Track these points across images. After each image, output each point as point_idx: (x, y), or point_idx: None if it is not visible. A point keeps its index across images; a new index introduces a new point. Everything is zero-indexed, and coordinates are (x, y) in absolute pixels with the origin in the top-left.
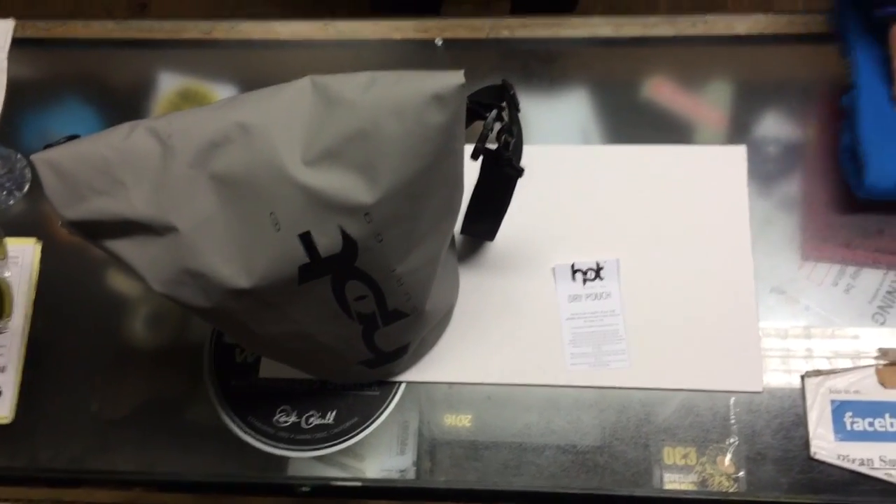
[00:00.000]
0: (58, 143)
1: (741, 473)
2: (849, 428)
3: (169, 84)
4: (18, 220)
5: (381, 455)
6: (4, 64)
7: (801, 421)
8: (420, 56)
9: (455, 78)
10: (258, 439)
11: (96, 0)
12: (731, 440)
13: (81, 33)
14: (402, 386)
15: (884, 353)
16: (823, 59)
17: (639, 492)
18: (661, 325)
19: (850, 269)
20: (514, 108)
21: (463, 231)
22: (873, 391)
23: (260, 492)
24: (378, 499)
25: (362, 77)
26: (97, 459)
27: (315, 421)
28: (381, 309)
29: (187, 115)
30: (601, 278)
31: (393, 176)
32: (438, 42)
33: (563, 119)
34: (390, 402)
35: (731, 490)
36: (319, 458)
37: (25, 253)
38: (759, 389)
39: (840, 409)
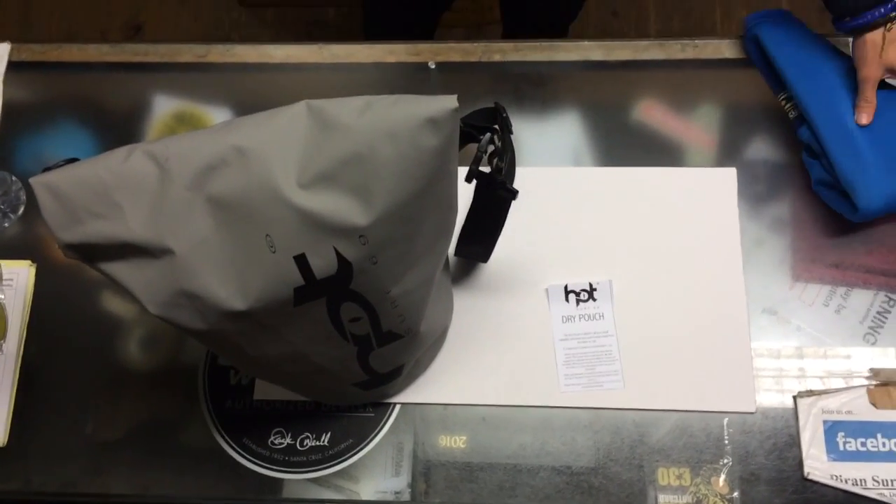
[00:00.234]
0: (56, 166)
1: (735, 494)
2: (841, 448)
3: (163, 107)
4: (13, 243)
5: (377, 477)
6: (0, 87)
7: (794, 441)
8: (413, 79)
9: (448, 102)
10: (253, 461)
11: (91, 23)
12: (725, 461)
13: (76, 56)
14: (397, 407)
15: (875, 373)
16: None
17: None
18: (654, 346)
19: (841, 290)
20: (507, 130)
21: (457, 253)
22: (865, 411)
23: None
24: None
25: (357, 101)
26: (91, 482)
27: (310, 443)
28: (376, 330)
29: (184, 139)
30: (594, 299)
31: (387, 198)
32: (432, 65)
33: (556, 141)
34: (385, 423)
35: None
36: (314, 480)
37: (20, 275)
38: (752, 410)
39: (833, 430)
